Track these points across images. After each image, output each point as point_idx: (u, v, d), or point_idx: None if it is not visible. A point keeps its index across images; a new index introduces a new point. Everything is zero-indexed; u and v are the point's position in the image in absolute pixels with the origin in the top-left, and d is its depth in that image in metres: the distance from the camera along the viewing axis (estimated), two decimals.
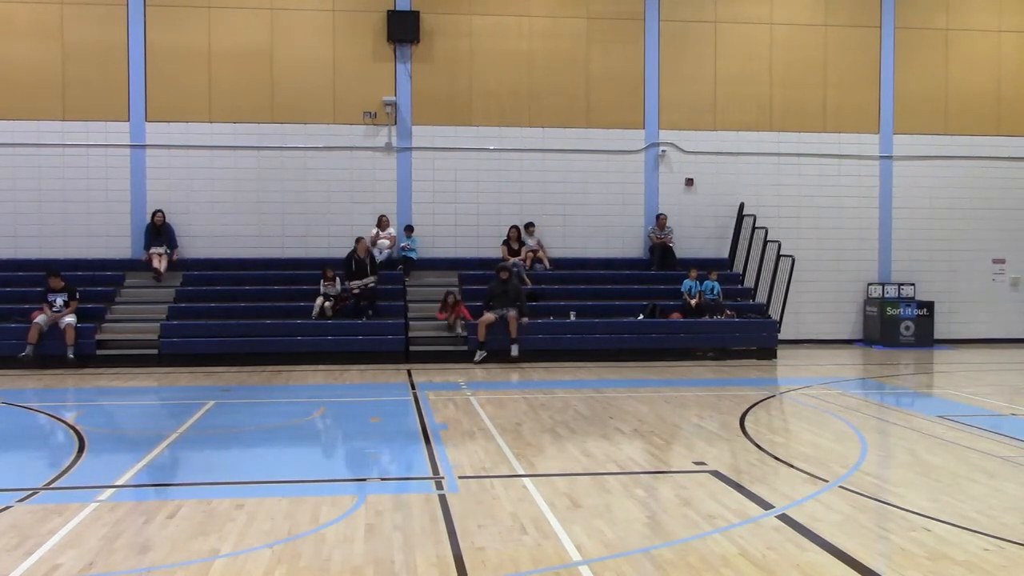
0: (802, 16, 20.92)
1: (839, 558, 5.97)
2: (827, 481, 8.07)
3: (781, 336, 18.83)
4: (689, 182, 20.68)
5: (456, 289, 18.37)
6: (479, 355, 17.13)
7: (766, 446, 9.66)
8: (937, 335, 20.66)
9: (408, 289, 18.95)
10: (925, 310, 20.46)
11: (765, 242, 20.03)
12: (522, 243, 19.62)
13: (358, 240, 18.41)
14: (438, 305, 17.93)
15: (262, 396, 13.77)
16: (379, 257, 18.88)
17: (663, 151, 20.51)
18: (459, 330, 17.55)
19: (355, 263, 18.01)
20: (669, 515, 7.01)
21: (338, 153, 19.78)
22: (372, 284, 17.97)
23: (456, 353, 17.38)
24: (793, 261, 19.46)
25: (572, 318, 18.06)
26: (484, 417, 11.33)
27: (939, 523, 6.76)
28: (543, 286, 19.06)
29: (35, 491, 7.82)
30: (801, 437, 10.47)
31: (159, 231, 18.90)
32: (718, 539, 6.35)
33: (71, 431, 10.83)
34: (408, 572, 5.68)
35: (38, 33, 19.00)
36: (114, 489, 7.86)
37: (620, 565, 5.85)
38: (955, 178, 21.34)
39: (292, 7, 19.58)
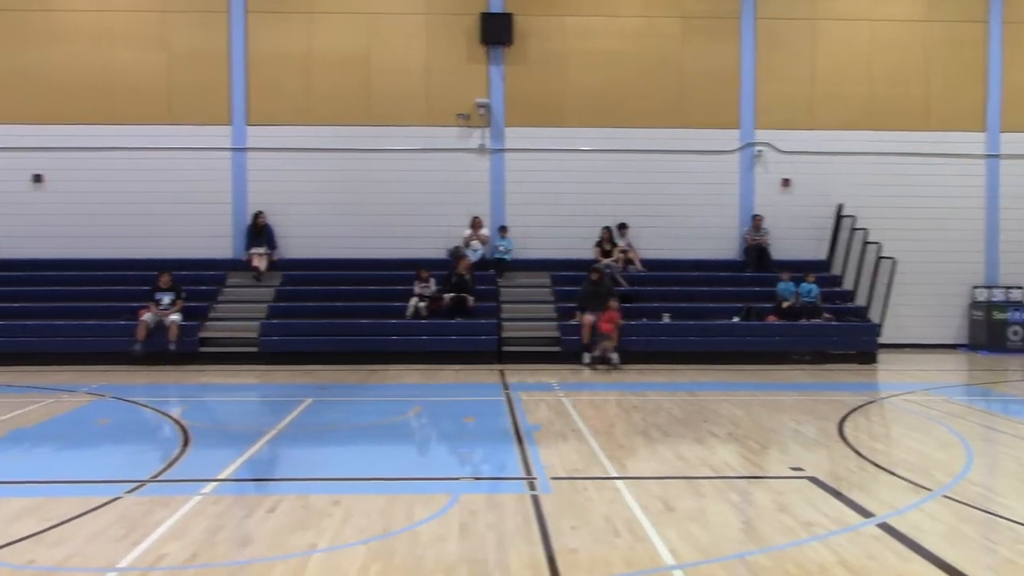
0: (904, 12, 20.37)
1: (942, 569, 5.78)
2: (930, 490, 7.83)
3: (881, 340, 18.37)
4: (786, 182, 20.32)
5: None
6: (586, 357, 17.07)
7: (866, 452, 9.42)
8: None
9: (501, 290, 19.05)
10: None
11: (865, 243, 19.56)
12: (614, 244, 19.53)
13: (460, 258, 18.51)
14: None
15: (358, 394, 14.00)
16: (472, 258, 19.01)
17: (759, 151, 20.21)
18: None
19: (455, 277, 18.11)
20: (765, 521, 6.90)
21: (432, 155, 19.99)
22: (470, 301, 17.99)
23: (548, 354, 17.39)
24: (894, 263, 18.98)
25: (666, 320, 17.90)
26: (577, 418, 11.31)
27: None
28: (636, 287, 18.94)
29: (143, 483, 8.08)
30: (903, 444, 10.19)
31: (260, 232, 19.38)
32: (816, 547, 6.22)
33: (176, 426, 11.17)
34: (501, 572, 5.70)
35: (144, 41, 19.68)
36: (217, 483, 8.08)
37: (715, 571, 5.77)
38: None
39: (388, 12, 19.88)
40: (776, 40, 20.22)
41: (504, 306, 18.61)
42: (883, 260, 19.11)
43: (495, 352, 17.43)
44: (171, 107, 19.72)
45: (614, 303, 17.02)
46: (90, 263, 19.30)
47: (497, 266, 19.41)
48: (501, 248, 19.58)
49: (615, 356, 16.72)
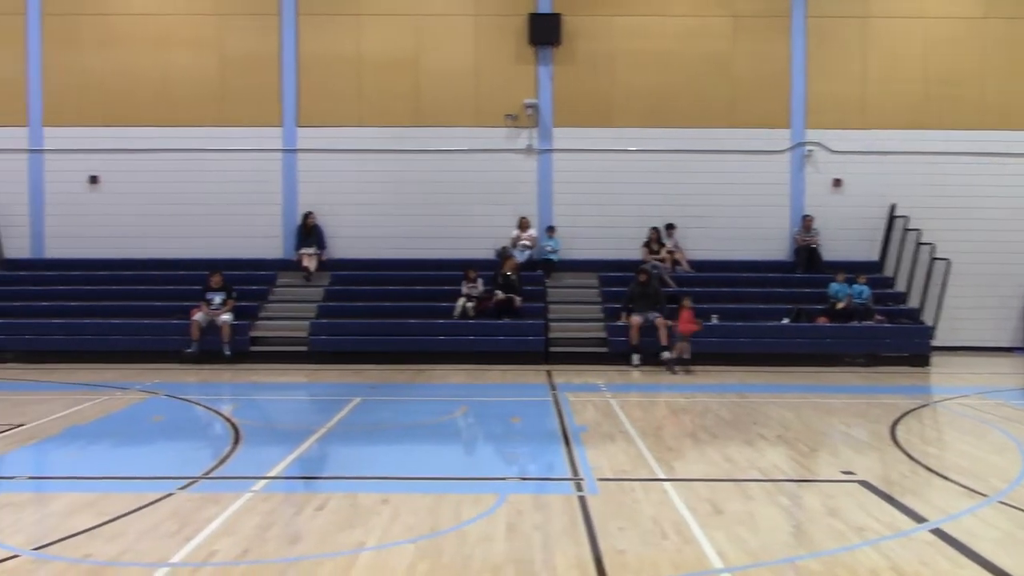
0: (959, 9, 20.03)
1: None
2: (985, 495, 7.69)
3: (935, 343, 18.07)
4: (837, 182, 20.08)
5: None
6: (635, 358, 17.01)
7: (919, 457, 9.28)
8: None
9: (548, 290, 19.05)
10: None
11: (918, 244, 19.27)
12: (662, 244, 19.43)
13: (506, 258, 18.55)
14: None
15: (406, 394, 14.08)
16: (519, 258, 19.02)
17: (809, 151, 19.99)
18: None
19: (501, 278, 18.14)
20: (815, 525, 6.82)
21: (480, 155, 20.05)
22: (517, 302, 18.01)
23: (596, 355, 17.35)
24: (948, 264, 18.68)
25: (714, 321, 17.76)
26: (624, 420, 11.27)
27: None
28: (684, 288, 18.82)
29: (195, 480, 8.19)
30: (957, 448, 10.02)
31: (310, 232, 19.57)
32: (868, 552, 6.14)
33: (227, 424, 11.33)
34: (548, 572, 5.70)
35: (198, 44, 19.99)
36: (267, 480, 8.18)
37: (764, 575, 5.72)
38: None
39: (437, 13, 19.98)
40: (827, 38, 19.99)
41: (551, 307, 18.60)
42: (937, 261, 18.80)
43: (542, 353, 17.42)
44: (223, 109, 19.99)
45: (688, 302, 16.75)
46: (143, 263, 19.65)
47: (544, 266, 19.40)
48: (548, 248, 19.58)
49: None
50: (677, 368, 16.29)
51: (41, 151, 20.02)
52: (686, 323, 16.45)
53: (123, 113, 19.94)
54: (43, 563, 5.88)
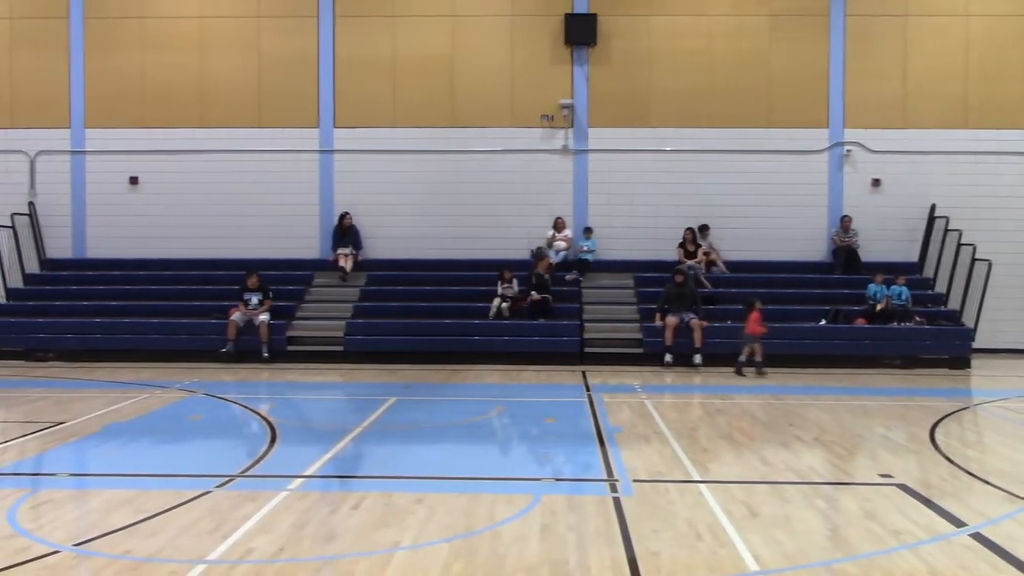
0: (1001, 7, 19.73)
1: None
2: None
3: (975, 345, 17.82)
4: (876, 182, 19.86)
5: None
6: (668, 358, 16.96)
7: (958, 460, 9.16)
8: None
9: (583, 291, 19.01)
10: None
11: (959, 245, 18.99)
12: (698, 245, 19.33)
13: (540, 258, 18.53)
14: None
15: (441, 394, 14.13)
16: (555, 259, 19.01)
17: (848, 151, 19.79)
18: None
19: (535, 279, 18.13)
20: (852, 528, 6.75)
21: (516, 156, 20.05)
22: (549, 301, 17.99)
23: (631, 356, 17.30)
24: (990, 265, 18.42)
25: None
26: (659, 421, 11.23)
27: None
28: (720, 289, 18.72)
29: (232, 478, 8.27)
30: (997, 452, 9.88)
31: (346, 233, 19.68)
32: (906, 555, 6.07)
33: (264, 422, 11.43)
34: (582, 573, 5.69)
35: (236, 47, 20.17)
36: (303, 479, 8.24)
37: None
38: None
39: (472, 14, 20.01)
40: (866, 37, 19.78)
41: (587, 307, 18.57)
42: (978, 262, 18.53)
43: (577, 353, 17.40)
44: (261, 111, 20.16)
45: (757, 303, 16.33)
46: (182, 263, 19.86)
47: (580, 267, 19.36)
48: (585, 249, 19.53)
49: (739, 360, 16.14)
50: (747, 370, 16.01)
51: (83, 152, 20.30)
52: (754, 324, 16.09)
53: (163, 115, 20.17)
54: (83, 559, 5.96)
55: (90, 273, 19.76)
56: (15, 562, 5.81)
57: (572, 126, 19.96)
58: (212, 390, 13.96)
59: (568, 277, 18.49)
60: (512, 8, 20.04)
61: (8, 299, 19.49)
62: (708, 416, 11.76)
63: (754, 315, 16.16)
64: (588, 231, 19.70)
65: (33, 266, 20.12)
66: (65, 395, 13.49)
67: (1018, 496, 7.68)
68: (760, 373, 15.91)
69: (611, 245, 19.91)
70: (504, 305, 17.83)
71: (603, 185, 19.99)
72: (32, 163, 20.28)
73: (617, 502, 7.38)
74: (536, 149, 20.06)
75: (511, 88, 20.01)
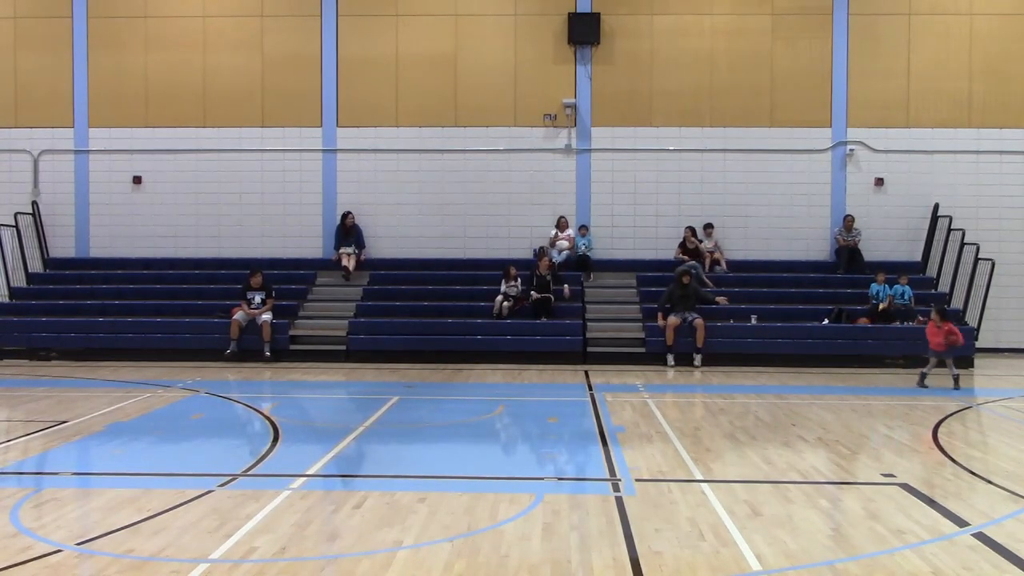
0: (1005, 5, 19.70)
1: None
2: None
3: (979, 344, 17.81)
4: (879, 182, 19.84)
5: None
6: (669, 359, 16.98)
7: (961, 460, 9.15)
8: None
9: (586, 290, 19.01)
10: None
11: (962, 245, 18.96)
12: (699, 242, 19.31)
13: (541, 257, 18.55)
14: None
15: (444, 393, 14.13)
16: (557, 259, 19.00)
17: (851, 150, 19.77)
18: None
19: (536, 279, 18.14)
20: (855, 528, 6.75)
21: (519, 155, 20.05)
22: (551, 301, 17.97)
23: (633, 355, 17.30)
24: (993, 265, 18.39)
25: (753, 322, 17.63)
26: (662, 420, 11.22)
27: None
28: (723, 288, 18.70)
29: (234, 477, 8.28)
30: (1001, 451, 9.86)
31: (348, 232, 19.69)
32: (908, 555, 6.07)
33: (267, 422, 11.43)
34: (584, 573, 5.69)
35: (240, 46, 20.19)
36: (305, 478, 8.25)
37: None
38: None
39: (475, 13, 20.01)
40: (870, 36, 19.76)
41: (589, 307, 18.57)
42: (981, 262, 18.51)
43: (580, 352, 17.40)
44: (265, 110, 20.18)
45: (933, 311, 14.89)
46: (185, 262, 19.91)
47: (579, 263, 19.35)
48: (582, 246, 19.51)
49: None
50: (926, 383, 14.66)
51: (86, 152, 20.33)
52: (932, 335, 14.64)
53: (166, 114, 20.20)
54: (86, 558, 5.97)
55: (93, 272, 19.79)
56: (18, 561, 5.82)
57: (575, 125, 19.95)
58: (215, 389, 13.97)
59: (565, 294, 18.32)
60: (515, 7, 20.03)
61: (12, 298, 19.50)
62: (711, 415, 11.75)
63: (930, 326, 14.86)
64: (583, 229, 19.69)
65: (37, 265, 20.15)
66: (68, 394, 13.50)
67: (1021, 496, 7.68)
68: (956, 386, 14.45)
69: (614, 244, 19.91)
70: (506, 304, 17.82)
71: (606, 184, 19.98)
72: (36, 162, 20.31)
73: (620, 501, 7.38)
74: (539, 148, 20.06)
75: (514, 87, 20.01)
